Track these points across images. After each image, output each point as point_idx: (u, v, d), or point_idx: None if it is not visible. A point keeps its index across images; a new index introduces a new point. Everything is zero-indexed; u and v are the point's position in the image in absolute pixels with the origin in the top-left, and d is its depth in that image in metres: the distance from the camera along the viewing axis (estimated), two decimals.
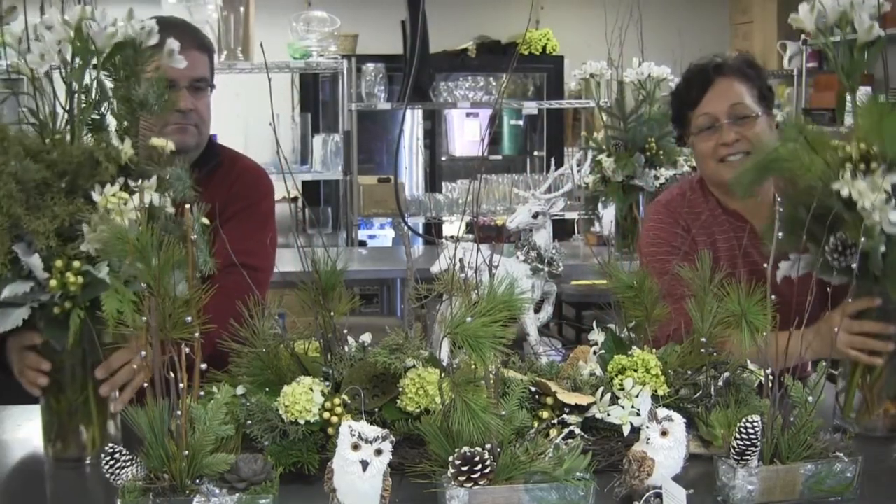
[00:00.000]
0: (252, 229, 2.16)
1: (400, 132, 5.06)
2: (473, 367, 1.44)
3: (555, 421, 1.64)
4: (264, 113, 1.81)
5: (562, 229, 5.24)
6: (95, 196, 1.53)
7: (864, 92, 1.90)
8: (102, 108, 1.64)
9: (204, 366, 1.43)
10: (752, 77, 2.25)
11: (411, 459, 1.53)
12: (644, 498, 1.44)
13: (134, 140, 1.63)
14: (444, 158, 6.86)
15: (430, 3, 4.06)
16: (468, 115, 6.87)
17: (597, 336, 1.86)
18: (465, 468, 1.38)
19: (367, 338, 1.77)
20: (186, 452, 1.35)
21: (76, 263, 1.51)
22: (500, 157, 7.09)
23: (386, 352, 1.64)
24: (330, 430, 1.58)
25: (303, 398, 1.58)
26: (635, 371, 1.71)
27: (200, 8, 4.49)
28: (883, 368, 1.81)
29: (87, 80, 1.62)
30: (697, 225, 2.24)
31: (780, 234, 1.54)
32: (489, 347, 1.36)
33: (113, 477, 1.37)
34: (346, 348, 1.75)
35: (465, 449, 1.39)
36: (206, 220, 1.66)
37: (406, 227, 4.03)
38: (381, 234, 6.07)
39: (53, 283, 1.51)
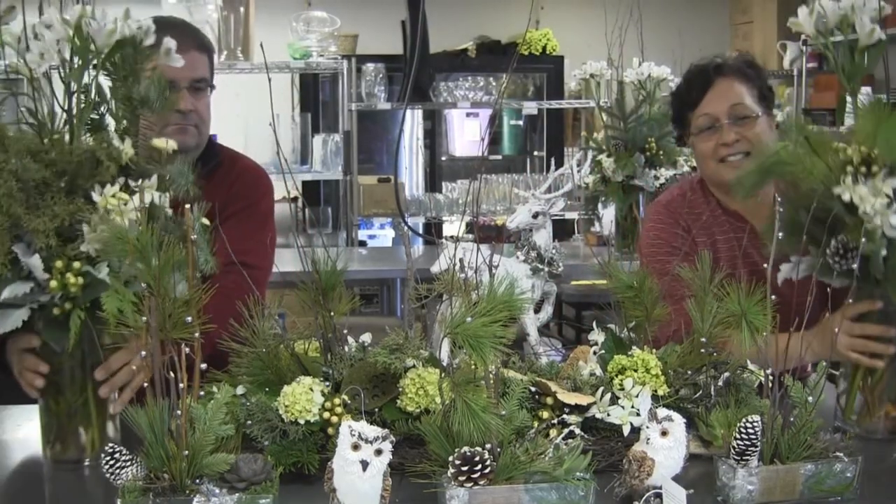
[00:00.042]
0: (251, 229, 2.16)
1: (400, 132, 5.06)
2: (473, 367, 1.44)
3: (555, 421, 1.64)
4: (264, 113, 1.81)
5: (562, 229, 5.24)
6: (95, 196, 1.53)
7: (864, 92, 1.90)
8: (101, 109, 1.64)
9: (204, 366, 1.43)
10: (753, 77, 2.25)
11: (411, 459, 1.53)
12: (644, 498, 1.44)
13: (134, 140, 1.63)
14: (444, 158, 6.86)
15: (430, 3, 4.06)
16: (468, 115, 6.87)
17: (597, 336, 1.86)
18: (465, 468, 1.38)
19: (367, 338, 1.77)
20: (186, 452, 1.35)
21: (76, 264, 1.51)
22: (500, 157, 7.09)
23: (386, 352, 1.64)
24: (330, 430, 1.58)
25: (303, 398, 1.58)
26: (635, 371, 1.71)
27: (200, 8, 4.49)
28: (884, 371, 1.81)
29: (85, 79, 1.62)
30: (698, 226, 2.24)
31: (780, 234, 1.54)
32: (489, 347, 1.36)
33: (113, 477, 1.37)
34: (346, 348, 1.75)
35: (465, 449, 1.39)
36: (205, 221, 1.66)
37: (406, 227, 4.03)
38: (381, 234, 6.07)
39: (54, 283, 1.50)
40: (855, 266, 1.66)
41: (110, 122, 1.65)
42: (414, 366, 1.66)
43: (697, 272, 1.73)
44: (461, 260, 1.61)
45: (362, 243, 5.55)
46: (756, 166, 1.84)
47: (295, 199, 2.90)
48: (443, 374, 1.52)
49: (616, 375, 1.72)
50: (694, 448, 1.60)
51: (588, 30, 4.33)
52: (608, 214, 3.99)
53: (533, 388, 1.67)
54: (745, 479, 1.46)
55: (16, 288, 1.51)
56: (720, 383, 1.73)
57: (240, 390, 1.65)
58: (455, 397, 1.40)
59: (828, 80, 5.57)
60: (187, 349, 1.36)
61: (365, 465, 1.32)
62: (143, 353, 1.36)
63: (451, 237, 5.03)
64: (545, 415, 1.65)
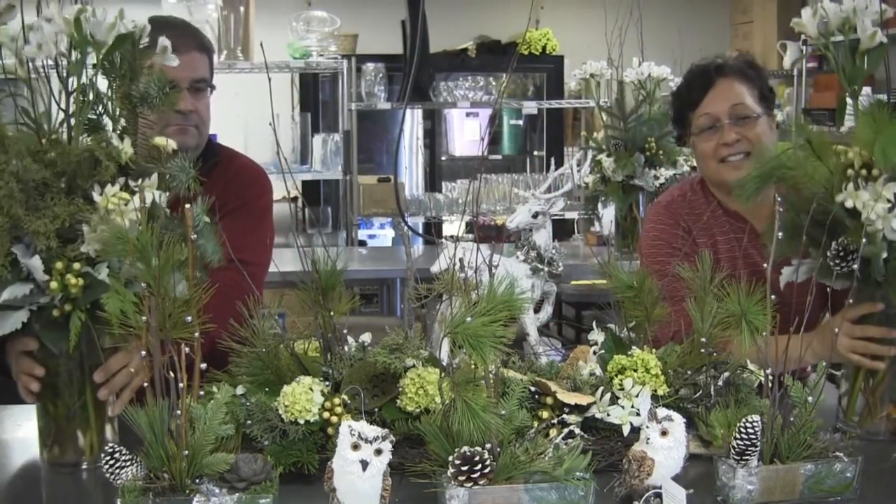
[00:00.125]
0: (248, 225, 2.16)
1: (400, 132, 5.07)
2: (473, 366, 1.44)
3: (555, 421, 1.64)
4: (264, 113, 1.81)
5: (562, 229, 5.23)
6: (96, 196, 1.52)
7: (865, 93, 1.90)
8: (99, 109, 1.63)
9: (204, 365, 1.43)
10: (753, 78, 2.25)
11: (411, 459, 1.53)
12: (644, 498, 1.44)
13: (133, 139, 1.62)
14: (444, 158, 6.86)
15: (430, 3, 4.06)
16: (468, 114, 6.87)
17: (597, 336, 1.86)
18: (465, 468, 1.38)
19: (367, 338, 1.77)
20: (186, 452, 1.35)
21: (76, 265, 1.50)
22: (500, 156, 7.08)
23: (386, 352, 1.64)
24: (330, 430, 1.58)
25: (303, 398, 1.58)
26: (635, 371, 1.71)
27: (200, 8, 4.49)
28: (885, 373, 1.81)
29: (84, 79, 1.61)
30: (698, 226, 2.24)
31: (780, 234, 1.54)
32: (489, 347, 1.36)
33: (113, 477, 1.37)
34: (346, 348, 1.75)
35: (465, 449, 1.39)
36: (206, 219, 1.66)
37: (406, 227, 4.03)
38: (381, 234, 6.06)
39: (54, 285, 1.49)
40: (855, 268, 1.66)
41: (109, 121, 1.65)
42: (414, 366, 1.66)
43: (697, 272, 1.73)
44: (461, 260, 1.61)
45: (362, 243, 5.55)
46: (757, 171, 1.84)
47: (295, 199, 2.91)
48: (443, 374, 1.52)
49: (616, 375, 1.72)
50: (694, 448, 1.60)
51: (588, 30, 4.32)
52: (608, 214, 3.99)
53: (533, 388, 1.67)
54: (744, 479, 1.46)
55: (15, 289, 1.50)
56: (720, 383, 1.73)
57: (240, 390, 1.65)
58: (455, 397, 1.40)
59: (828, 80, 5.57)
60: (187, 349, 1.36)
61: (365, 464, 1.32)
62: (143, 352, 1.36)
63: (451, 237, 5.03)
64: (545, 415, 1.65)
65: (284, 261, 1.98)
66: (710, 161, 2.24)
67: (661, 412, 1.45)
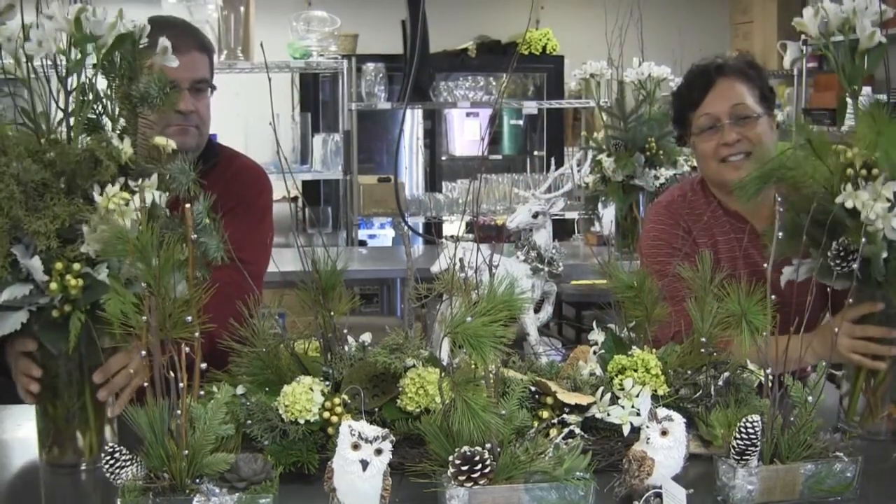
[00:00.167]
0: (247, 224, 2.16)
1: (400, 132, 5.06)
2: (473, 366, 1.44)
3: (555, 421, 1.64)
4: (264, 113, 1.81)
5: (562, 229, 5.23)
6: (96, 196, 1.52)
7: (865, 93, 1.91)
8: (98, 108, 1.63)
9: (204, 365, 1.43)
10: (754, 77, 2.25)
11: (411, 459, 1.53)
12: (644, 498, 1.44)
13: (133, 139, 1.62)
14: (444, 158, 6.85)
15: (430, 3, 4.06)
16: (468, 114, 6.87)
17: (597, 336, 1.86)
18: (465, 468, 1.38)
19: (367, 337, 1.77)
20: (186, 452, 1.35)
21: (76, 266, 1.50)
22: (500, 156, 7.08)
23: (386, 351, 1.64)
24: (330, 430, 1.58)
25: (303, 398, 1.58)
26: (635, 371, 1.71)
27: (200, 8, 4.49)
28: (886, 373, 1.81)
29: (83, 77, 1.61)
30: (698, 226, 2.24)
31: (780, 234, 1.54)
32: (489, 347, 1.36)
33: (113, 476, 1.37)
34: (346, 348, 1.75)
35: (465, 448, 1.39)
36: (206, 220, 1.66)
37: (406, 227, 4.03)
38: (381, 234, 6.06)
39: (54, 285, 1.49)
40: (855, 267, 1.66)
41: (108, 121, 1.65)
42: (414, 365, 1.66)
43: (697, 272, 1.73)
44: (461, 260, 1.61)
45: (362, 243, 5.55)
46: (757, 171, 1.84)
47: (295, 199, 2.90)
48: (443, 374, 1.52)
49: (616, 375, 1.72)
50: (694, 448, 1.60)
51: (588, 30, 4.32)
52: (608, 214, 3.99)
53: (533, 388, 1.67)
54: (745, 479, 1.46)
55: (15, 290, 1.50)
56: (720, 383, 1.73)
57: (240, 390, 1.65)
58: (455, 397, 1.40)
59: (828, 80, 5.57)
60: (187, 349, 1.36)
61: (365, 464, 1.32)
62: (143, 352, 1.36)
63: (451, 237, 5.03)
64: (545, 415, 1.65)
65: (284, 261, 1.98)
66: (710, 161, 2.24)
67: (661, 412, 1.45)
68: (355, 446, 1.33)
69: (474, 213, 3.84)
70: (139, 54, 1.63)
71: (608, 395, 1.68)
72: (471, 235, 4.72)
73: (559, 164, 2.30)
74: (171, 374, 1.35)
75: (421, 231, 5.27)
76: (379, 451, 1.33)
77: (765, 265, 1.51)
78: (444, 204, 5.30)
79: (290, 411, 1.57)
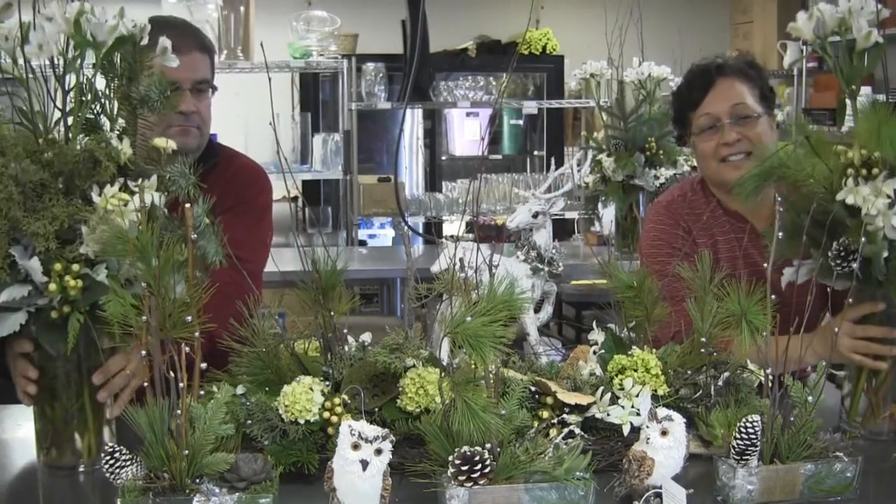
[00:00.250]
0: (246, 223, 2.16)
1: (400, 132, 5.06)
2: (473, 366, 1.44)
3: (555, 421, 1.64)
4: (264, 112, 1.81)
5: (562, 229, 5.23)
6: (95, 197, 1.52)
7: (864, 93, 1.91)
8: (96, 108, 1.63)
9: (204, 365, 1.43)
10: (754, 77, 2.25)
11: (411, 459, 1.53)
12: (644, 498, 1.44)
13: (132, 139, 1.62)
14: (444, 158, 6.86)
15: (430, 3, 4.06)
16: (468, 114, 6.87)
17: (597, 336, 1.86)
18: (465, 468, 1.37)
19: (367, 337, 1.77)
20: (186, 452, 1.35)
21: (75, 266, 1.50)
22: (500, 156, 7.08)
23: (386, 351, 1.64)
24: (330, 430, 1.58)
25: (303, 398, 1.58)
26: (635, 371, 1.71)
27: (200, 7, 4.49)
28: (887, 372, 1.81)
29: (82, 77, 1.61)
30: (698, 226, 2.24)
31: (780, 234, 1.54)
32: (489, 347, 1.36)
33: (113, 476, 1.37)
34: (346, 348, 1.75)
35: (465, 448, 1.39)
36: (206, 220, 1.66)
37: (406, 227, 4.03)
38: (381, 234, 6.06)
39: (53, 286, 1.48)
40: (855, 267, 1.66)
41: (107, 121, 1.64)
42: (414, 365, 1.66)
43: (697, 272, 1.73)
44: (461, 260, 1.61)
45: (362, 243, 5.55)
46: (757, 170, 1.84)
47: (295, 199, 2.91)
48: (443, 374, 1.52)
49: (616, 375, 1.72)
50: (694, 448, 1.60)
51: (588, 30, 4.32)
52: (608, 214, 3.99)
53: (533, 388, 1.67)
54: (744, 479, 1.46)
55: (13, 291, 1.49)
56: (720, 383, 1.73)
57: (240, 390, 1.65)
58: (455, 397, 1.40)
59: (828, 80, 5.57)
60: (187, 349, 1.36)
61: (365, 464, 1.32)
62: (143, 352, 1.36)
63: (451, 237, 5.03)
64: (545, 414, 1.65)
65: (284, 261, 1.98)
66: (710, 161, 2.24)
67: (661, 412, 1.45)
68: (355, 446, 1.33)
69: (474, 213, 3.84)
70: (139, 55, 1.63)
71: (608, 395, 1.68)
72: (471, 235, 4.72)
73: (559, 164, 2.30)
74: (171, 374, 1.35)
75: (421, 231, 5.27)
76: (379, 451, 1.33)
77: (765, 265, 1.51)
78: (444, 204, 5.30)
79: (290, 411, 1.57)
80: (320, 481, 1.42)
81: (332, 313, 1.72)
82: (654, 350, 1.79)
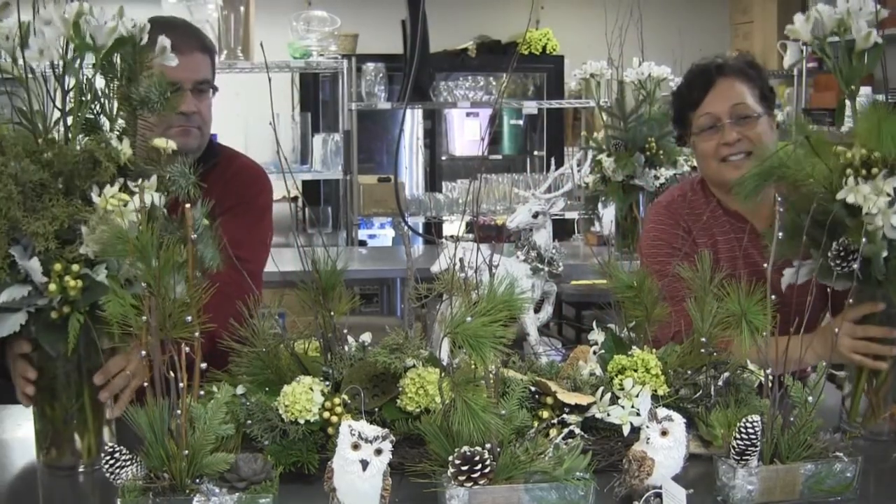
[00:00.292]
0: (246, 223, 2.16)
1: (400, 132, 5.06)
2: (473, 366, 1.44)
3: (555, 421, 1.64)
4: (264, 112, 1.81)
5: (562, 229, 5.23)
6: (95, 197, 1.52)
7: (864, 93, 1.91)
8: (96, 108, 1.63)
9: (204, 365, 1.43)
10: (754, 77, 2.25)
11: (411, 459, 1.53)
12: (644, 498, 1.44)
13: (132, 140, 1.62)
14: (444, 158, 6.86)
15: (430, 3, 4.06)
16: (468, 114, 6.87)
17: (597, 336, 1.86)
18: (465, 468, 1.37)
19: (367, 337, 1.77)
20: (186, 452, 1.35)
21: (75, 267, 1.50)
22: (500, 156, 7.08)
23: (386, 351, 1.64)
24: (330, 430, 1.58)
25: (303, 398, 1.58)
26: (635, 371, 1.71)
27: (200, 7, 4.49)
28: (888, 373, 1.81)
29: (81, 76, 1.61)
30: (698, 226, 2.24)
31: (780, 234, 1.54)
32: (489, 347, 1.36)
33: (113, 476, 1.37)
34: (346, 348, 1.75)
35: (465, 448, 1.39)
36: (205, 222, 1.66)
37: (406, 227, 4.03)
38: (381, 234, 6.07)
39: (53, 287, 1.48)
40: (856, 267, 1.66)
41: (107, 122, 1.64)
42: (414, 365, 1.66)
43: (697, 272, 1.73)
44: (461, 260, 1.61)
45: (362, 243, 5.55)
46: (757, 170, 1.84)
47: (295, 199, 2.91)
48: (443, 374, 1.52)
49: (616, 375, 1.72)
50: (694, 448, 1.60)
51: (588, 30, 4.32)
52: (608, 214, 3.99)
53: (533, 388, 1.67)
54: (744, 479, 1.46)
55: (13, 291, 1.49)
56: (720, 383, 1.73)
57: (240, 390, 1.65)
58: (455, 397, 1.40)
59: (828, 80, 5.56)
60: (187, 349, 1.36)
61: (365, 464, 1.32)
62: (143, 352, 1.36)
63: (451, 237, 5.03)
64: (545, 415, 1.65)
65: (284, 261, 1.98)
66: (710, 161, 2.24)
67: (661, 412, 1.45)
68: (355, 446, 1.33)
69: (474, 213, 3.84)
70: (139, 56, 1.62)
71: (608, 395, 1.68)
72: (471, 235, 4.72)
73: (559, 164, 2.30)
74: (171, 374, 1.35)
75: (421, 231, 5.27)
76: (379, 451, 1.33)
77: (765, 265, 1.51)
78: (444, 204, 5.30)
79: (290, 411, 1.57)
80: (320, 481, 1.42)
81: (332, 313, 1.71)
82: (654, 350, 1.79)
